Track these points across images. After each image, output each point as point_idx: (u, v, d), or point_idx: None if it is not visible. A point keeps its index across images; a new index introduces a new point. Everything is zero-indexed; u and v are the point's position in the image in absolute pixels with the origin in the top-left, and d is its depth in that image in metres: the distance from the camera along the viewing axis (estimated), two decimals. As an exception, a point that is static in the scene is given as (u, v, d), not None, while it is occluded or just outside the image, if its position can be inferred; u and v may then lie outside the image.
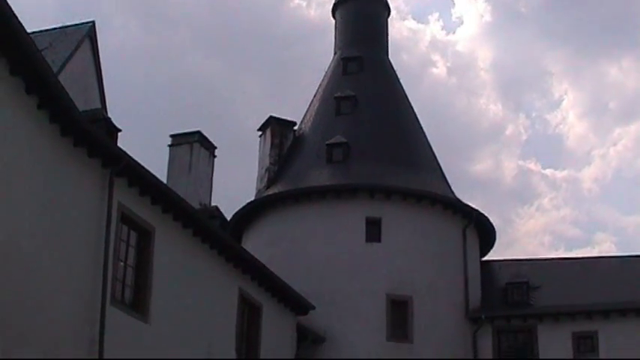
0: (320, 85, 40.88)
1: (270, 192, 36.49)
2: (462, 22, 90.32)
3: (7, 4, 17.17)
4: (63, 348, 19.49)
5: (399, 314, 34.17)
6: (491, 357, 35.55)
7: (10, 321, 17.77)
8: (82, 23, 31.76)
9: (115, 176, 21.67)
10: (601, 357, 34.44)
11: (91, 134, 20.72)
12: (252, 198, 37.27)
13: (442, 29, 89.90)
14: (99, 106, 31.19)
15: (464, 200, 37.16)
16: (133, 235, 22.99)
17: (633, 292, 35.65)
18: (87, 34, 31.24)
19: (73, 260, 20.21)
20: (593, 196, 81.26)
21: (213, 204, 32.35)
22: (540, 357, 35.07)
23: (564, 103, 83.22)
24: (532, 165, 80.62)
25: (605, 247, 76.27)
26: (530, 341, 35.63)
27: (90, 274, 20.67)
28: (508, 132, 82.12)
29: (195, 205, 29.26)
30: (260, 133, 39.27)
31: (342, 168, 36.53)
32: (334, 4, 42.72)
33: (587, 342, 34.88)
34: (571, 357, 34.71)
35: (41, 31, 29.40)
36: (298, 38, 78.77)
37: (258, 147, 39.23)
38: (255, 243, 35.47)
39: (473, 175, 76.24)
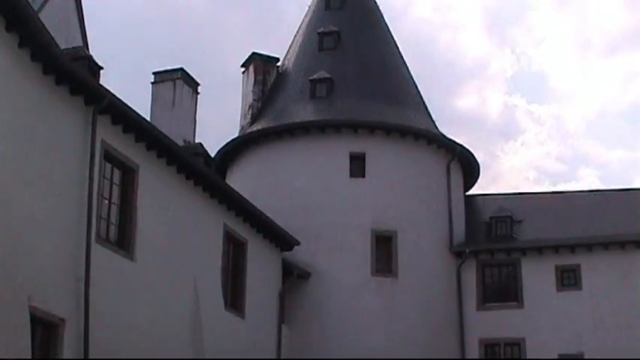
0: (303, 20, 40.61)
1: (254, 128, 36.42)
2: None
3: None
4: (49, 287, 19.55)
5: (383, 249, 34.35)
6: (474, 290, 35.86)
7: (-5, 260, 17.80)
8: (62, -41, 31.36)
9: (98, 114, 21.57)
10: (584, 290, 34.79)
11: (73, 72, 20.58)
12: (236, 135, 37.20)
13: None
14: (80, 44, 30.96)
15: (448, 136, 37.18)
16: (117, 172, 22.96)
17: (616, 225, 35.90)
18: (67, -30, 30.88)
19: (57, 199, 20.19)
20: (577, 132, 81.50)
21: (197, 141, 32.27)
22: (524, 290, 35.39)
23: (549, 38, 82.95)
24: (517, 101, 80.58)
25: (589, 181, 76.77)
26: (513, 275, 35.93)
27: (74, 212, 20.68)
28: (493, 68, 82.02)
29: (179, 142, 29.21)
30: (243, 69, 39.09)
31: (325, 104, 36.44)
32: (317, -62, 42.25)
33: (570, 275, 35.20)
34: (554, 290, 35.06)
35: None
36: (281, -27, 78.10)
37: (241, 83, 39.07)
38: (240, 179, 35.49)
39: (458, 111, 76.34)
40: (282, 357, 31.29)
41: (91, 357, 20.33)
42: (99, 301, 20.87)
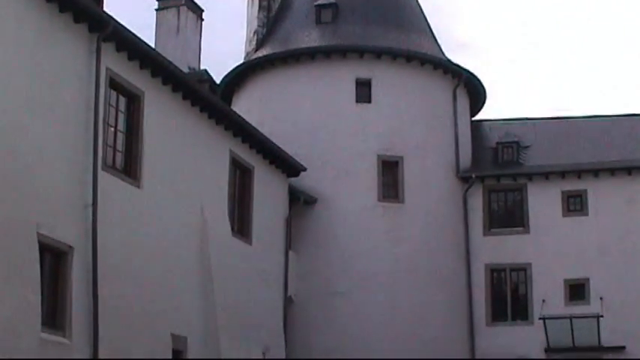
0: (308, -56, 40.08)
1: (259, 54, 36.21)
2: None
3: None
4: (57, 215, 19.63)
5: (389, 175, 34.36)
6: (481, 215, 35.96)
7: (3, 188, 17.82)
8: None
9: (103, 41, 21.42)
10: (590, 216, 34.89)
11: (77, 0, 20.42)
12: (241, 61, 37.00)
13: None
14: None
15: (455, 61, 36.92)
16: (122, 100, 22.90)
17: (623, 151, 35.89)
18: None
19: (63, 127, 20.16)
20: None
21: (202, 67, 32.13)
22: (530, 216, 35.49)
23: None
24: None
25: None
26: (520, 200, 35.99)
27: (81, 140, 20.67)
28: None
29: (184, 69, 29.09)
30: (247, -5, 38.74)
31: (331, 29, 36.16)
32: None
33: (576, 200, 35.27)
34: (560, 216, 35.15)
35: None
36: None
37: (245, 9, 38.73)
38: (246, 106, 35.38)
39: (464, 37, 75.59)
40: (289, 281, 31.53)
41: (100, 283, 20.47)
42: (107, 228, 20.98)
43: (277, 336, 30.25)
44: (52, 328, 19.29)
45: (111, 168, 21.96)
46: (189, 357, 24.50)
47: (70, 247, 19.99)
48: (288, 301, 31.75)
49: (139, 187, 22.87)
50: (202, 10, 33.49)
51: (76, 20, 20.68)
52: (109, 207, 21.17)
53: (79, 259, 20.15)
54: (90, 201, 20.62)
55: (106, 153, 21.78)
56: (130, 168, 22.81)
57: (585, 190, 35.19)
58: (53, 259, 19.76)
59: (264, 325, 28.97)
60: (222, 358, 25.38)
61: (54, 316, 19.57)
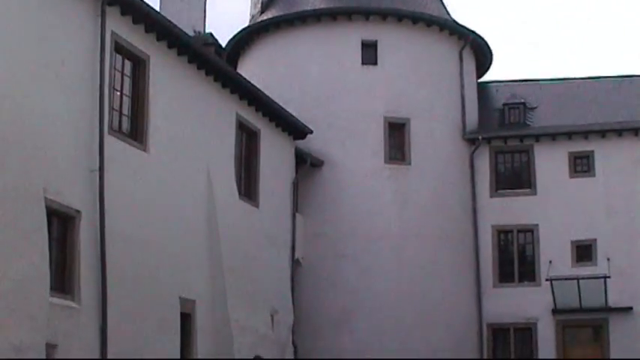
0: None
1: (265, 17, 36.04)
2: None
3: None
4: (64, 180, 19.64)
5: (396, 136, 34.33)
6: (488, 177, 35.94)
7: (10, 154, 17.82)
8: None
9: (107, 5, 21.32)
10: (597, 177, 34.84)
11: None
12: (247, 24, 36.85)
13: None
14: None
15: (461, 23, 36.73)
16: (128, 64, 22.83)
17: (630, 112, 35.80)
18: None
19: (68, 92, 20.11)
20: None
21: (207, 31, 31.99)
22: (537, 177, 35.47)
23: None
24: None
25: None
26: (527, 161, 35.98)
27: (87, 105, 20.62)
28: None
29: (190, 32, 28.94)
30: (253, -45, 38.50)
31: (337, -10, 35.96)
32: None
33: (583, 162, 35.26)
34: (567, 177, 35.12)
35: None
36: None
37: (251, -30, 38.51)
38: (251, 69, 35.30)
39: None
40: (296, 244, 31.61)
41: (107, 247, 20.53)
42: (114, 192, 20.98)
43: (285, 299, 30.39)
44: (61, 293, 19.37)
45: (117, 132, 21.93)
46: (198, 320, 24.61)
47: (78, 211, 20.00)
48: (295, 264, 31.87)
49: (145, 151, 22.86)
50: (207, -27, 33.29)
51: (81, -16, 20.60)
52: (115, 171, 21.18)
53: (86, 224, 20.18)
54: (97, 165, 20.60)
55: (112, 117, 21.75)
56: (136, 132, 22.79)
57: (592, 151, 35.15)
58: (61, 223, 19.80)
59: (271, 287, 29.08)
60: (231, 320, 25.48)
61: (62, 280, 19.63)
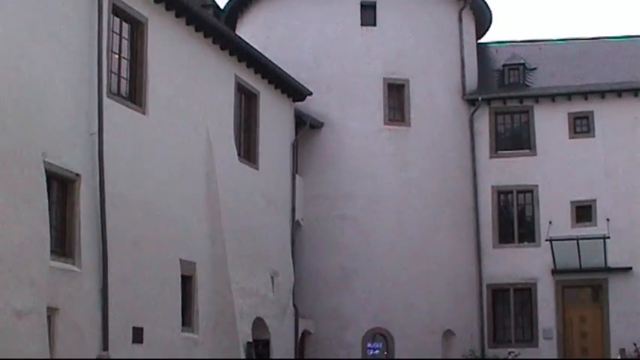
0: None
1: (263, -22, 35.83)
2: None
3: None
4: (63, 143, 19.61)
5: (395, 98, 34.24)
6: (487, 138, 35.92)
7: (9, 119, 17.78)
8: None
9: (105, -33, 21.20)
10: (597, 137, 34.82)
11: None
12: (246, -16, 36.63)
13: None
14: None
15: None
16: (126, 26, 22.71)
17: (630, 72, 35.70)
18: None
19: (67, 55, 20.02)
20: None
21: (205, -8, 31.80)
22: (536, 138, 35.44)
23: None
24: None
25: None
26: (526, 122, 35.94)
27: (85, 68, 20.53)
28: None
29: (188, -7, 28.75)
30: None
31: (335, -49, 35.69)
32: None
33: (582, 122, 35.20)
34: (567, 137, 35.10)
35: None
36: None
37: None
38: (250, 30, 35.13)
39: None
40: (296, 205, 31.65)
41: (107, 211, 20.54)
42: (113, 155, 20.96)
43: (285, 260, 30.46)
44: (62, 256, 19.41)
45: (116, 95, 21.87)
46: (199, 282, 24.69)
47: (77, 175, 20.00)
48: (295, 226, 31.92)
49: (144, 113, 22.81)
50: None
51: (77, -54, 20.44)
52: (114, 134, 21.13)
53: (86, 187, 20.18)
54: (96, 128, 20.56)
55: (110, 80, 21.68)
56: (134, 95, 22.73)
57: (592, 112, 35.09)
58: (60, 187, 19.80)
59: (271, 249, 29.14)
60: (231, 282, 25.57)
61: (63, 244, 19.67)
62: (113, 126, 21.12)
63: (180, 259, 23.80)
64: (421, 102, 34.28)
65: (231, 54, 27.45)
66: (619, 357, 32.10)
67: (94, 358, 18.84)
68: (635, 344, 32.15)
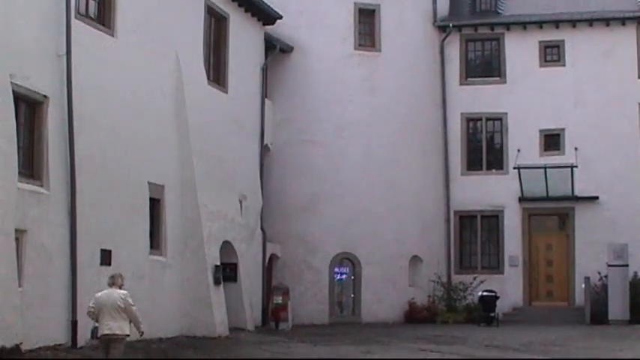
0: None
1: None
2: None
3: None
4: (31, 65, 19.36)
5: (366, 23, 34.02)
6: (458, 65, 35.89)
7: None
8: None
9: None
10: (567, 66, 34.86)
11: None
12: None
13: None
14: None
15: None
16: (94, -54, 22.32)
17: (601, 2, 35.72)
18: None
19: (34, -26, 19.70)
20: None
21: None
22: (507, 65, 35.44)
23: None
24: None
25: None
26: (497, 50, 35.88)
27: (52, -14, 20.21)
28: None
29: None
30: None
31: None
32: None
33: (553, 51, 35.22)
34: (537, 66, 35.11)
35: None
36: None
37: None
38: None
39: None
40: (265, 129, 31.58)
41: (76, 133, 20.37)
42: (81, 77, 20.72)
43: (253, 184, 30.49)
44: (29, 178, 19.30)
45: (84, 17, 21.52)
46: (167, 205, 24.67)
47: (45, 96, 19.79)
48: (264, 150, 31.87)
49: (112, 35, 22.51)
50: None
51: None
52: (83, 56, 20.84)
53: (54, 109, 19.99)
54: (64, 50, 20.30)
55: (78, 1, 21.31)
56: (103, 16, 22.39)
57: (563, 41, 35.09)
58: (28, 109, 19.61)
59: (240, 173, 29.12)
60: (200, 205, 25.57)
61: (31, 166, 19.54)
62: (81, 48, 20.83)
63: (149, 182, 23.74)
64: (392, 27, 34.09)
65: (201, -24, 27.11)
66: (583, 285, 32.57)
67: None
68: (599, 273, 32.62)
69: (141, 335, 15.30)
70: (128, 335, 14.83)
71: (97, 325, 14.77)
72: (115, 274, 15.21)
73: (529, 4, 36.34)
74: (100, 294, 14.90)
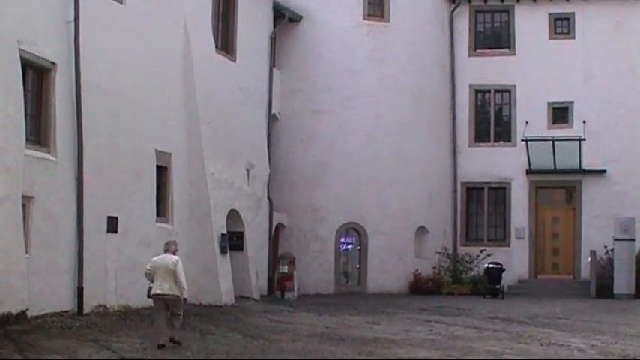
0: None
1: None
2: None
3: None
4: (39, 31, 19.30)
5: (375, -9, 33.90)
6: (467, 36, 35.75)
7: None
8: None
9: None
10: (577, 39, 34.69)
11: None
12: None
13: None
14: None
15: None
16: None
17: (613, -27, 35.43)
18: None
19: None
20: None
21: None
22: (516, 37, 35.29)
23: None
24: None
25: None
26: (507, 22, 35.72)
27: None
28: None
29: None
30: None
31: None
32: None
33: (563, 23, 35.03)
34: (547, 38, 34.96)
35: None
36: None
37: None
38: None
39: None
40: (273, 98, 31.54)
41: (83, 100, 20.36)
42: (89, 44, 20.68)
43: (261, 153, 30.50)
44: (37, 145, 19.32)
45: (93, -18, 21.47)
46: (174, 173, 24.68)
47: (53, 63, 19.76)
48: (272, 119, 31.85)
49: (121, 2, 22.43)
50: None
51: None
52: (91, 23, 20.79)
53: (62, 76, 19.96)
54: (72, 16, 20.24)
55: (87, -33, 21.25)
56: (112, -18, 22.34)
57: (573, 13, 34.89)
58: (36, 75, 19.59)
59: (247, 142, 29.12)
60: (206, 174, 25.57)
61: (38, 133, 19.56)
62: (90, 14, 20.77)
63: (156, 150, 23.74)
64: (402, -3, 33.96)
65: (208, -58, 26.99)
66: (589, 259, 32.58)
67: None
68: (605, 246, 32.61)
69: (184, 301, 16.29)
70: (179, 296, 15.99)
71: (151, 285, 16.08)
72: (169, 241, 16.87)
73: (539, -24, 36.15)
74: (155, 258, 16.37)
